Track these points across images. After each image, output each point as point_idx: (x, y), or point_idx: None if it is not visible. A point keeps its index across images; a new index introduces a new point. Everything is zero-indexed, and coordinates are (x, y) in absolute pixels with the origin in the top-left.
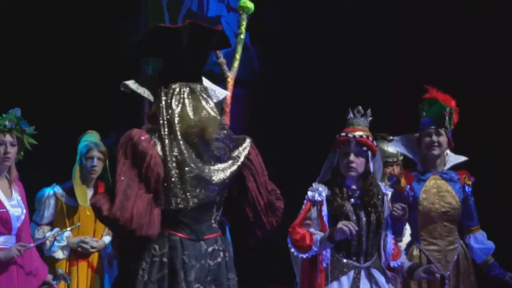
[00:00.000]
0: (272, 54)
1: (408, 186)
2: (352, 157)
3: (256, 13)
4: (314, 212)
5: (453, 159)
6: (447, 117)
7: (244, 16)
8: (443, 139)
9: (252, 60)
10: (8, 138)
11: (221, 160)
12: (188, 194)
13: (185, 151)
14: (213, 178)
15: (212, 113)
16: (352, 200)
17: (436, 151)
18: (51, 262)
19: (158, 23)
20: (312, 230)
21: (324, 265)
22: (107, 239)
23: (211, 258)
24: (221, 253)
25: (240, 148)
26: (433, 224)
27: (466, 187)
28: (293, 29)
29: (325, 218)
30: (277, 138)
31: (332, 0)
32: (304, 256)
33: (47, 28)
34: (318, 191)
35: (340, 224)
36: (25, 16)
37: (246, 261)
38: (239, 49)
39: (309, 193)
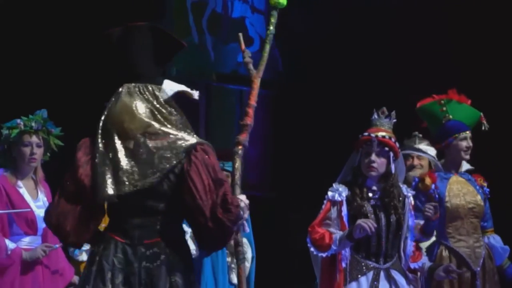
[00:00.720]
0: (296, 55)
1: (433, 185)
2: (373, 156)
3: (280, 13)
4: (334, 212)
5: (465, 164)
6: (484, 122)
7: (275, 13)
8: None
9: (276, 61)
10: (34, 139)
11: (152, 166)
12: (109, 191)
13: (114, 151)
14: (138, 182)
15: (136, 111)
16: (372, 201)
17: (468, 156)
18: (75, 263)
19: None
20: (331, 229)
21: (343, 265)
22: None
23: (149, 261)
24: (163, 256)
25: (176, 156)
26: (460, 221)
27: (484, 188)
28: (317, 30)
29: (345, 218)
30: (300, 138)
31: (358, 1)
32: (324, 255)
33: (75, 29)
34: (338, 191)
35: (359, 221)
36: (53, 17)
37: (266, 262)
38: (267, 48)
39: (329, 193)
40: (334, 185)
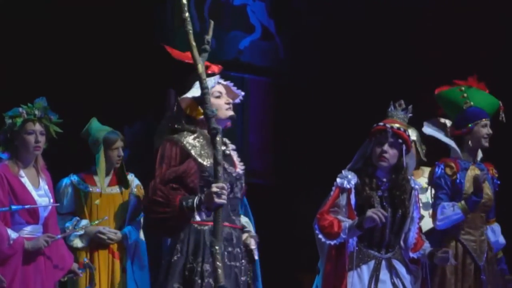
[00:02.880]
0: (298, 42)
1: (458, 174)
2: (386, 147)
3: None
4: (342, 200)
5: (479, 152)
6: (502, 112)
7: None
8: None
9: (277, 49)
10: (38, 127)
11: None
12: None
13: None
14: None
15: None
16: (380, 192)
17: (487, 144)
18: (72, 250)
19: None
20: (340, 217)
21: (349, 251)
22: (127, 229)
23: None
24: None
25: None
26: (472, 214)
27: (495, 179)
28: (320, 17)
29: (353, 206)
30: (303, 126)
31: None
32: (332, 243)
33: (73, 15)
34: (348, 179)
35: (370, 212)
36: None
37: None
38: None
39: (338, 180)
40: (343, 171)
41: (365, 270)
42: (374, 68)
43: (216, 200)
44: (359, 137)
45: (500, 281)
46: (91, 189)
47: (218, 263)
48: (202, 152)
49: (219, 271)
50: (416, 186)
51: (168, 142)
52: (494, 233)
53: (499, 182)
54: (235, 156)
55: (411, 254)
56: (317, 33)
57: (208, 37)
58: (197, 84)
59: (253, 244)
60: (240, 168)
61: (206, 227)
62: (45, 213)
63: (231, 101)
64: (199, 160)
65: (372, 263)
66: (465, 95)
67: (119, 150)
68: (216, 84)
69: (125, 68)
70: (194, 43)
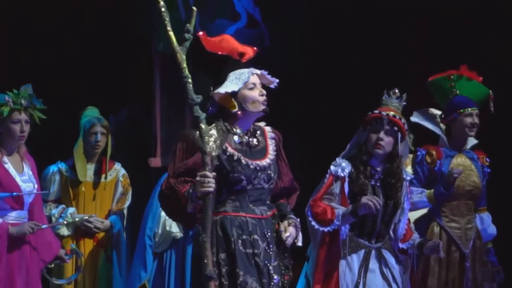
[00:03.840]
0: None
1: (439, 162)
2: (381, 134)
3: None
4: (336, 187)
5: (470, 140)
6: (491, 102)
7: None
8: (479, 120)
9: (263, 37)
10: (23, 116)
11: None
12: None
13: None
14: None
15: None
16: (373, 181)
17: (473, 133)
18: (58, 238)
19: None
20: (333, 204)
21: (341, 239)
22: (113, 218)
23: None
24: None
25: None
26: (456, 201)
27: (485, 168)
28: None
29: (347, 195)
30: (289, 114)
31: None
32: (325, 229)
33: (61, 4)
34: (342, 167)
35: (365, 199)
36: None
37: None
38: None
39: (332, 168)
40: (337, 159)
41: (355, 259)
42: (363, 56)
43: (199, 188)
44: (349, 125)
45: (488, 272)
46: (77, 177)
47: (206, 252)
48: (211, 143)
49: (206, 260)
50: (408, 177)
51: (181, 136)
52: (482, 222)
53: (489, 170)
54: (270, 145)
55: (400, 245)
56: (303, 20)
57: (190, 26)
58: (231, 76)
59: (287, 232)
60: (267, 160)
61: (217, 217)
62: (30, 199)
63: (265, 92)
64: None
65: (362, 252)
66: (453, 83)
67: (97, 135)
68: (250, 77)
69: (111, 56)
70: (171, 33)
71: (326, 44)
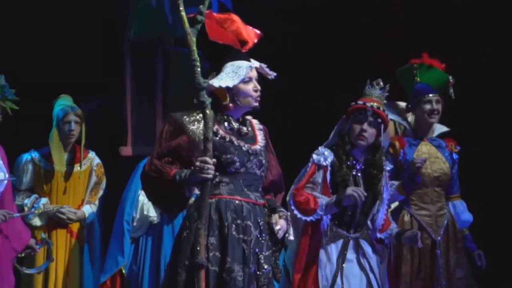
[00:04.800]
0: (256, 18)
1: (402, 151)
2: (365, 126)
3: None
4: (318, 177)
5: (439, 127)
6: (451, 87)
7: None
8: (441, 106)
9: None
10: None
11: None
12: None
13: None
14: None
15: None
16: (354, 171)
17: (435, 119)
18: (30, 228)
19: None
20: (315, 193)
21: (322, 229)
22: (86, 208)
23: None
24: None
25: None
26: (424, 189)
27: (454, 154)
28: None
29: (329, 184)
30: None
31: None
32: (308, 219)
33: None
34: (324, 156)
35: (350, 190)
36: None
37: None
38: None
39: (315, 157)
40: (319, 148)
41: (334, 249)
42: (343, 44)
43: (199, 174)
44: (331, 114)
45: (464, 259)
46: (51, 167)
47: (199, 238)
48: (201, 127)
49: (198, 247)
50: (387, 168)
51: (168, 118)
52: (455, 209)
53: (458, 156)
54: (259, 135)
55: (378, 235)
56: (276, 8)
57: (203, 7)
58: (228, 68)
59: (278, 225)
60: (258, 145)
61: (213, 200)
62: (1, 188)
63: (259, 88)
64: (191, 135)
65: (340, 242)
66: (415, 71)
67: (71, 124)
68: (249, 71)
69: (82, 44)
70: (184, 13)
71: (302, 32)
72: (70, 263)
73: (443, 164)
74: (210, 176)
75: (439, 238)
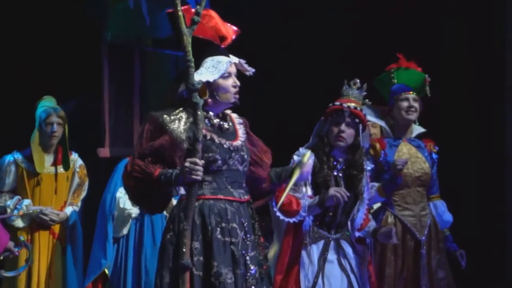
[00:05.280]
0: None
1: (383, 152)
2: (343, 127)
3: None
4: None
5: (417, 128)
6: (427, 85)
7: None
8: (419, 105)
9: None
10: None
11: None
12: None
13: None
14: None
15: None
16: (335, 171)
17: (412, 116)
18: (12, 229)
19: None
20: (297, 195)
21: (304, 230)
22: (69, 210)
23: None
24: None
25: None
26: (406, 189)
27: (433, 154)
28: None
29: (310, 185)
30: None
31: None
32: (291, 220)
33: None
34: None
35: (333, 191)
36: None
37: None
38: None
39: (296, 158)
40: (300, 149)
41: (315, 250)
42: (322, 45)
43: (188, 175)
44: (311, 115)
45: (445, 259)
46: (34, 169)
47: (185, 240)
48: (181, 126)
49: (184, 248)
50: (368, 168)
51: (149, 117)
52: (436, 209)
53: (437, 156)
54: (240, 129)
55: (356, 233)
56: (255, 8)
57: (200, 8)
58: (208, 63)
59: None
60: (239, 141)
61: (196, 204)
62: None
63: (238, 84)
64: (172, 134)
65: (321, 243)
66: (392, 75)
67: (53, 126)
68: (228, 67)
69: (60, 45)
70: (181, 13)
71: (281, 32)
72: (53, 264)
73: (424, 164)
74: (199, 177)
75: (423, 238)
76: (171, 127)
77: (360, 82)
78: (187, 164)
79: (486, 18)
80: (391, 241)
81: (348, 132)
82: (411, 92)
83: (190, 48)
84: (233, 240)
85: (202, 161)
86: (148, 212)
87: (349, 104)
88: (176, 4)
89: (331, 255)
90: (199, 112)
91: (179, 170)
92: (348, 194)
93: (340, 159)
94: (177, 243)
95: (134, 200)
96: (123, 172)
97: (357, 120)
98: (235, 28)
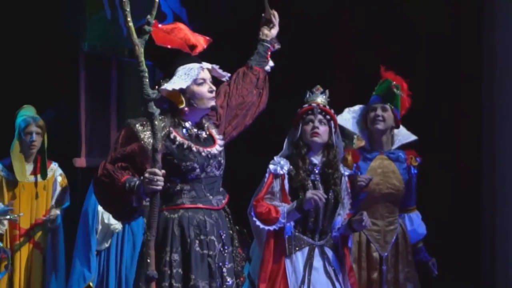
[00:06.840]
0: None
1: (355, 165)
2: (316, 123)
3: None
4: (276, 186)
5: (403, 138)
6: (395, 90)
7: None
8: (388, 114)
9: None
10: None
11: None
12: None
13: None
14: None
15: None
16: (312, 176)
17: (380, 126)
18: None
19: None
20: (275, 203)
21: (287, 235)
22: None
23: None
24: None
25: None
26: (375, 205)
27: (412, 168)
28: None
29: (287, 192)
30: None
31: None
32: (271, 228)
33: None
34: (280, 165)
35: (310, 194)
36: None
37: None
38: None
39: (271, 167)
40: (275, 158)
41: (300, 257)
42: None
43: (148, 186)
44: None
45: (413, 272)
46: (13, 178)
47: (149, 250)
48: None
49: (148, 260)
50: (346, 173)
51: (125, 124)
52: (412, 222)
53: (416, 171)
54: (216, 135)
55: (333, 233)
56: (231, 21)
57: (151, 17)
58: (180, 71)
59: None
60: (216, 147)
61: (175, 216)
62: None
63: (214, 88)
64: (143, 143)
65: (306, 250)
66: (376, 87)
67: (32, 135)
68: (200, 72)
69: (36, 55)
70: (131, 24)
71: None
72: (33, 273)
73: (397, 180)
74: (159, 188)
75: (386, 254)
76: (142, 136)
77: (322, 87)
78: (146, 175)
79: (465, 34)
80: (365, 224)
81: (322, 129)
82: (379, 102)
83: (143, 59)
84: (211, 252)
85: (163, 171)
86: (116, 219)
87: (318, 101)
88: (126, 15)
89: (317, 262)
90: (156, 122)
91: (140, 180)
92: (326, 196)
93: (316, 162)
94: (142, 254)
95: (102, 206)
96: (94, 176)
97: (328, 117)
98: (207, 37)
